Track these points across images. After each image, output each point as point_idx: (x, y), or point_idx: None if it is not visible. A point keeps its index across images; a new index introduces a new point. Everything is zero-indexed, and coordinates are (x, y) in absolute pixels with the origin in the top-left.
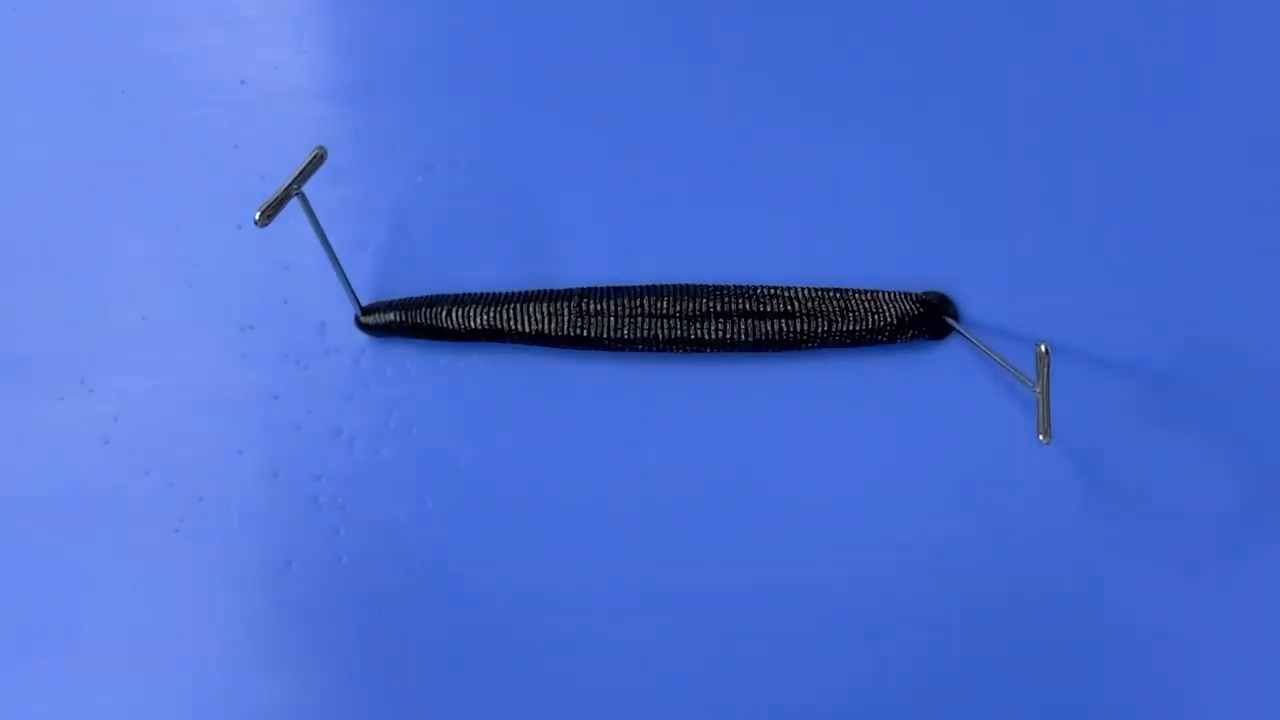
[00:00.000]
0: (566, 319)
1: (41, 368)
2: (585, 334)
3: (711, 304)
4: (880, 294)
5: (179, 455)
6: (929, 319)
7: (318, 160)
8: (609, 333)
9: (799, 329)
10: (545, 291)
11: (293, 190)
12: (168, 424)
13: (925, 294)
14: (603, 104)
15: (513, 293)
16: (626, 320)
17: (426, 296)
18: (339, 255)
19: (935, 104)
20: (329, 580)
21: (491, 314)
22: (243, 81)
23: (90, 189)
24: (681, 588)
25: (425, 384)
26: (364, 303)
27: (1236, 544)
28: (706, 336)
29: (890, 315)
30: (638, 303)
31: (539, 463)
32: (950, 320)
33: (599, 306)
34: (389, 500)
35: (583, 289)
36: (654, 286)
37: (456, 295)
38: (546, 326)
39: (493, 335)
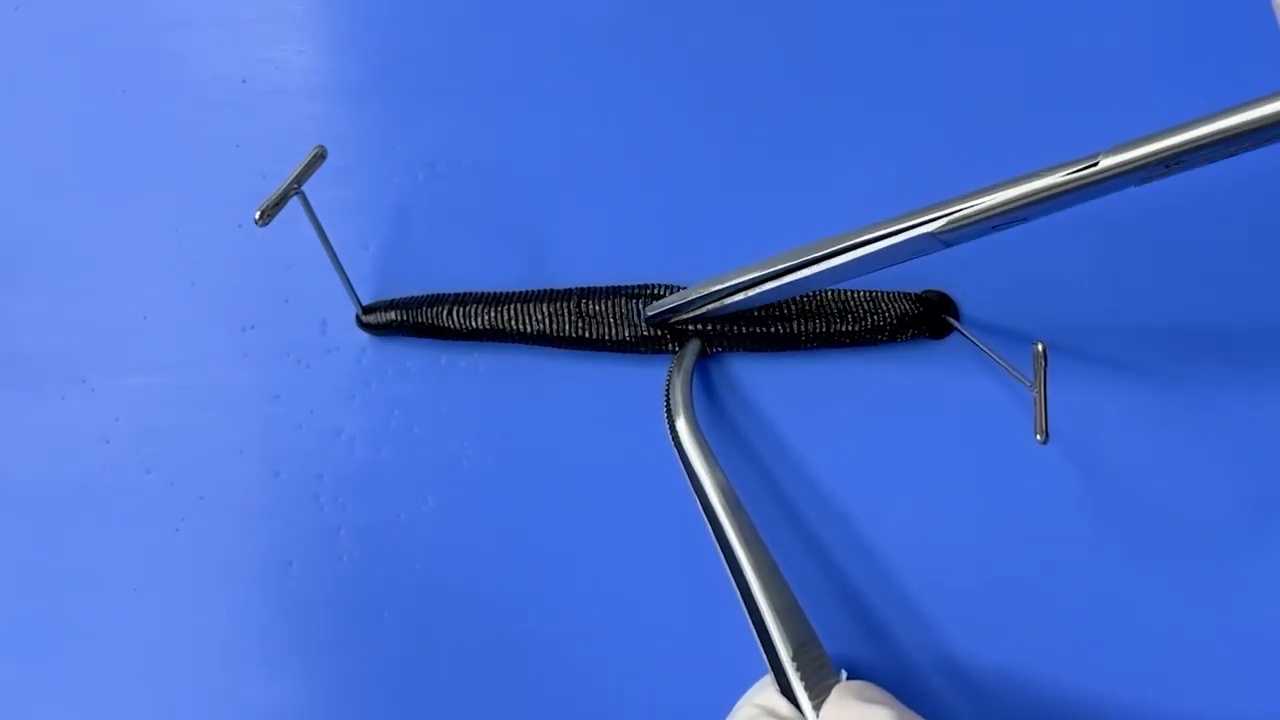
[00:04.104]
0: (566, 319)
1: (42, 367)
2: (585, 334)
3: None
4: (880, 294)
5: (180, 454)
6: (929, 319)
7: (318, 159)
8: (609, 333)
9: (799, 329)
10: (545, 291)
11: (293, 189)
12: (169, 423)
13: (925, 293)
14: (603, 103)
15: (513, 292)
16: (626, 320)
17: (428, 296)
18: (340, 255)
19: (935, 103)
20: (329, 580)
21: (492, 314)
22: (243, 81)
23: (91, 188)
24: (682, 587)
25: (426, 383)
26: (365, 302)
27: (1236, 544)
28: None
29: (890, 315)
30: (637, 303)
31: (539, 463)
32: (950, 320)
33: (599, 306)
34: (390, 500)
35: (583, 289)
36: (654, 286)
37: (458, 295)
38: (547, 326)
39: (494, 335)
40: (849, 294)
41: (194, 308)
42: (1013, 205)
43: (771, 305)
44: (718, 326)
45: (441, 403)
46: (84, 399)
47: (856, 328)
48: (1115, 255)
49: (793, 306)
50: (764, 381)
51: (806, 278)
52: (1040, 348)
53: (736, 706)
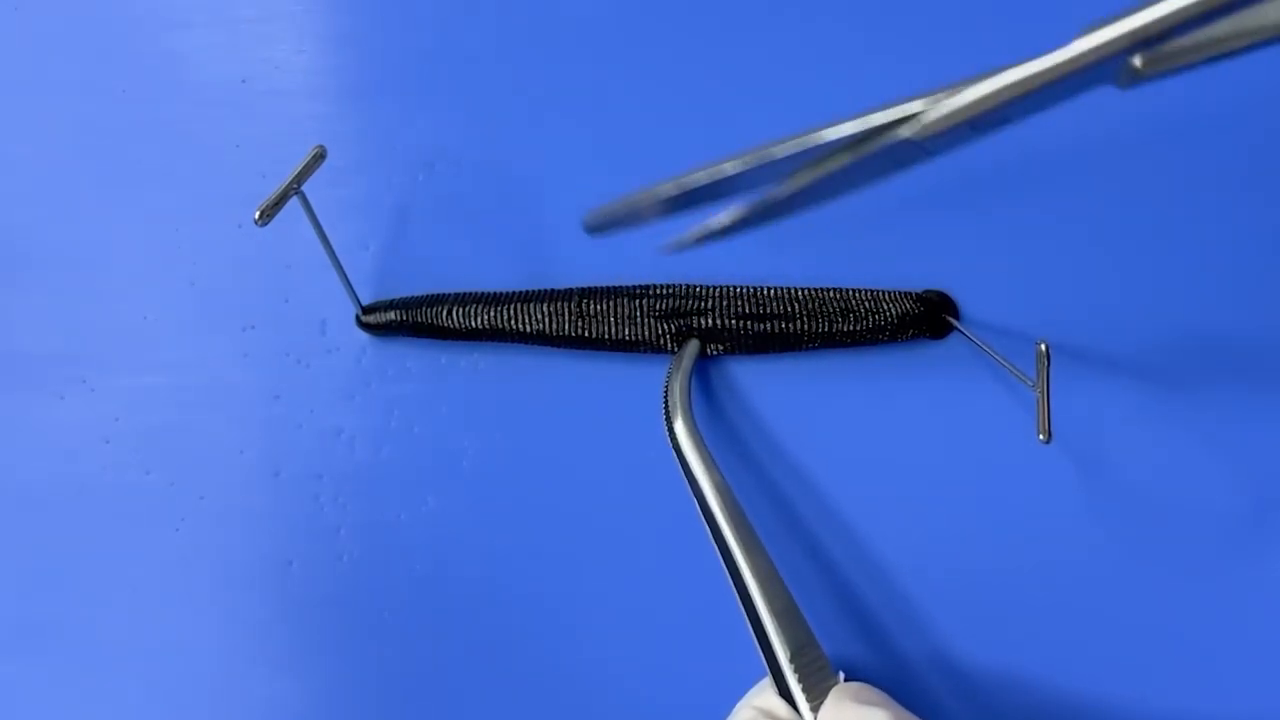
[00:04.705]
0: (566, 319)
1: (42, 367)
2: (585, 334)
3: (711, 304)
4: (880, 294)
5: (180, 454)
6: (929, 319)
7: (318, 159)
8: (609, 333)
9: (799, 329)
10: (545, 291)
11: (293, 189)
12: (169, 423)
13: (926, 293)
14: (603, 104)
15: (513, 292)
16: (626, 320)
17: (428, 296)
18: (340, 255)
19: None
20: (329, 580)
21: (492, 313)
22: (243, 81)
23: (91, 188)
24: (680, 589)
25: (426, 383)
26: (365, 302)
27: (1237, 544)
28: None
29: (891, 315)
30: (638, 303)
31: (539, 463)
32: (950, 320)
33: (599, 306)
34: (390, 500)
35: (583, 289)
36: (654, 286)
37: (458, 294)
38: (547, 326)
39: (494, 335)
40: (850, 293)
41: (194, 308)
42: (988, 103)
43: (773, 303)
44: (718, 325)
45: (441, 403)
46: (84, 399)
47: (857, 327)
48: (1118, 254)
49: (794, 305)
50: (762, 382)
51: (783, 199)
52: (1043, 347)
53: (735, 709)
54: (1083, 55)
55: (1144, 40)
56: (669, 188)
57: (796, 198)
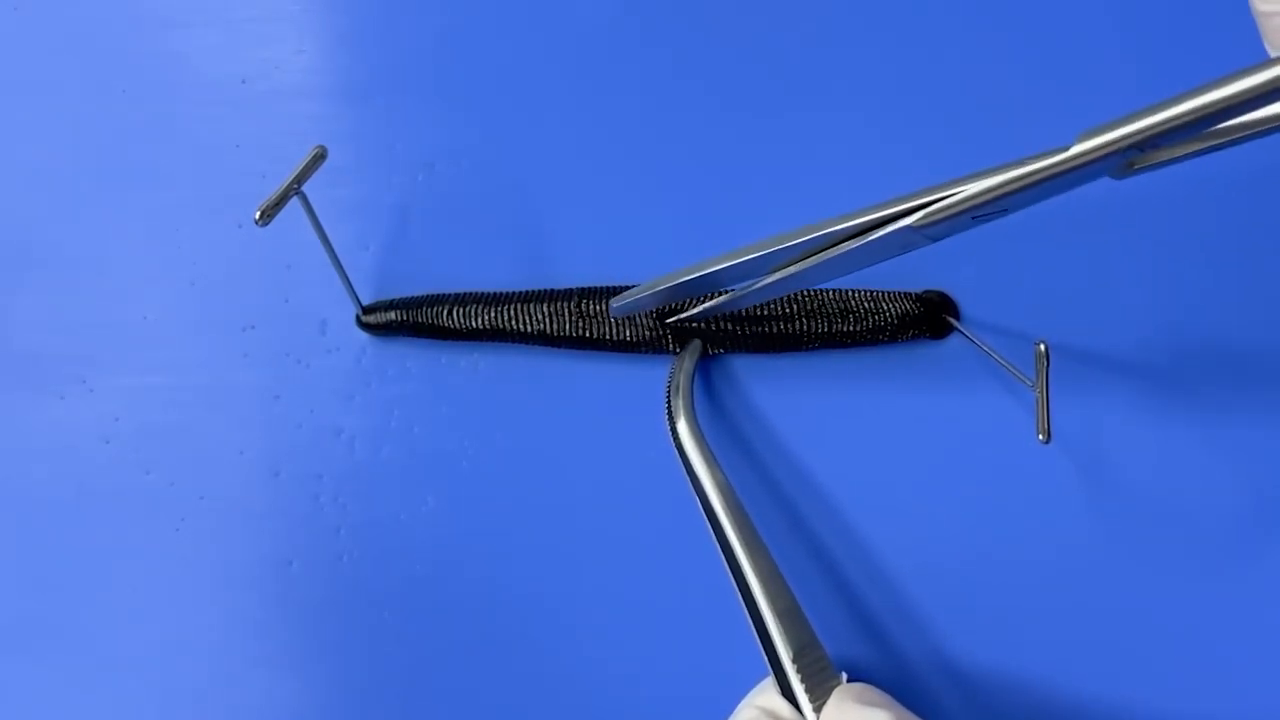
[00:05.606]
0: (567, 319)
1: (42, 367)
2: (585, 334)
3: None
4: (881, 294)
5: (180, 454)
6: (930, 319)
7: (318, 159)
8: (609, 333)
9: (799, 330)
10: (546, 291)
11: (293, 189)
12: (168, 423)
13: (926, 293)
14: (603, 104)
15: (514, 292)
16: (627, 321)
17: (428, 296)
18: (340, 255)
19: (935, 103)
20: (329, 580)
21: (493, 314)
22: (243, 81)
23: (90, 189)
24: (682, 588)
25: (426, 383)
26: (365, 302)
27: (1237, 544)
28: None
29: (891, 315)
30: None
31: (539, 463)
32: (951, 320)
33: (599, 307)
34: (389, 499)
35: (583, 289)
36: None
37: (458, 295)
38: (547, 326)
39: (494, 335)
40: (850, 294)
41: (194, 308)
42: (990, 195)
43: (773, 304)
44: (719, 326)
45: (441, 403)
46: (84, 399)
47: (858, 328)
48: (1117, 254)
49: (794, 306)
50: (765, 382)
51: (787, 278)
52: (1042, 347)
53: (737, 708)
54: (1080, 156)
55: (1138, 145)
56: (685, 274)
57: (793, 279)
